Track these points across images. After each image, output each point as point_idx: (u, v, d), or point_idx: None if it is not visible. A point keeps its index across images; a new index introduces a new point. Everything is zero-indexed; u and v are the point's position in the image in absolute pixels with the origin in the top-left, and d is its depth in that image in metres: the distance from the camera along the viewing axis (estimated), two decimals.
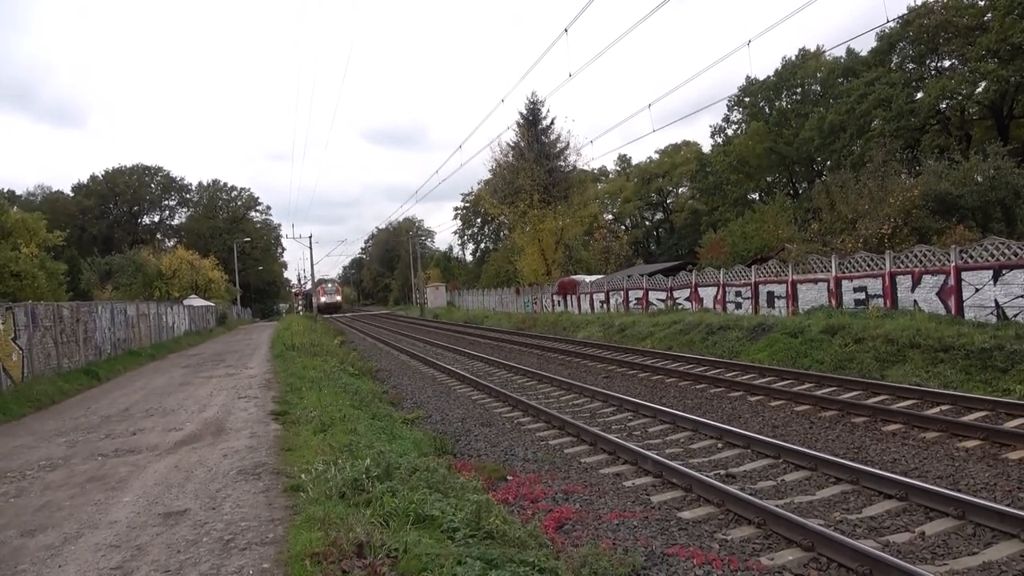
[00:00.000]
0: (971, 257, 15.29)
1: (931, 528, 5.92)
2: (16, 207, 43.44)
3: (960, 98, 37.11)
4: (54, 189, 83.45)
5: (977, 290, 14.94)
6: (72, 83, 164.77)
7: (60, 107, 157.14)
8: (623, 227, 72.18)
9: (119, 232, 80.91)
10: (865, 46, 44.44)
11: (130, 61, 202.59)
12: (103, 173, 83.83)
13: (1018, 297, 14.18)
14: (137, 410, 12.62)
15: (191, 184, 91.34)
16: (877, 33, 40.77)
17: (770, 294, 21.62)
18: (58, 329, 18.03)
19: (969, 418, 9.48)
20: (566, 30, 15.65)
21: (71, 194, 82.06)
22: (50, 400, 14.59)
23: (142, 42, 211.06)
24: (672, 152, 74.49)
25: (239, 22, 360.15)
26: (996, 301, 14.50)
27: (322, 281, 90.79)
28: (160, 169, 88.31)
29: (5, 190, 72.23)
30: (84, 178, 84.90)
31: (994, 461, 7.72)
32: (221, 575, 4.69)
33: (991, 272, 14.63)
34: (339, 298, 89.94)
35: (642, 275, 31.32)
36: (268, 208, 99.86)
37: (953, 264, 15.46)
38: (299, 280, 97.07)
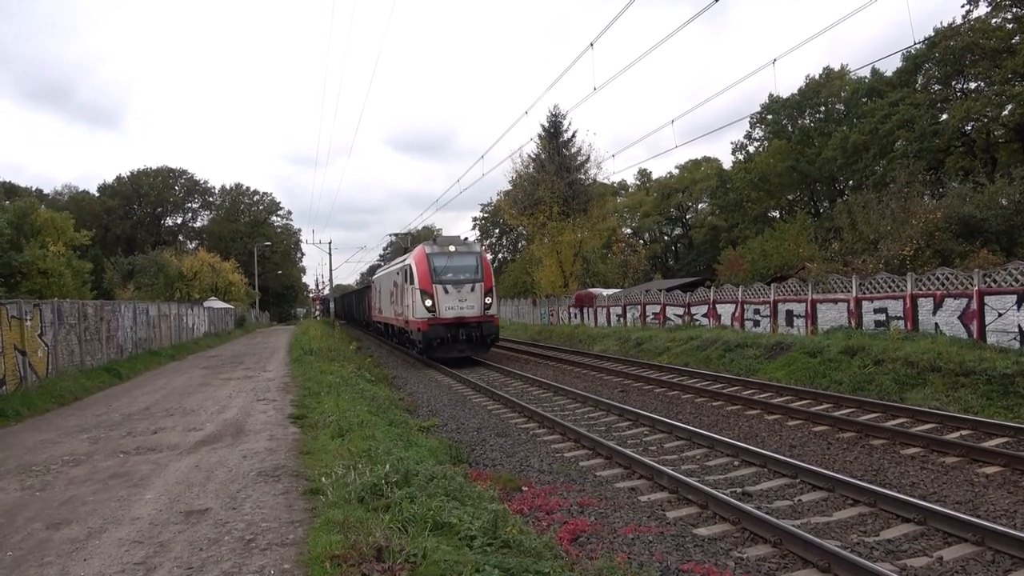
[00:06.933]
0: (994, 281, 15.12)
1: (949, 553, 5.88)
2: (44, 205, 44.24)
3: (986, 120, 36.74)
4: (81, 189, 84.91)
5: (1000, 315, 14.76)
6: (109, 83, 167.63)
7: (96, 107, 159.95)
8: (642, 241, 72.02)
9: (142, 233, 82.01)
10: (891, 67, 44.16)
11: (163, 64, 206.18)
12: (128, 174, 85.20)
13: None
14: (158, 409, 12.80)
15: (214, 187, 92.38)
16: (903, 54, 40.55)
17: (789, 313, 21.48)
18: (82, 327, 18.33)
19: (990, 444, 9.38)
20: (592, 44, 15.76)
21: (96, 194, 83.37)
22: (73, 397, 14.85)
23: (174, 46, 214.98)
24: (692, 168, 74.38)
25: (267, 28, 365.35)
26: (1020, 326, 14.31)
27: (440, 242, 24.59)
28: (184, 172, 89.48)
29: (33, 188, 73.76)
30: (113, 179, 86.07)
31: (1015, 488, 7.63)
32: (243, 574, 4.78)
33: (1015, 297, 14.45)
34: (491, 300, 23.41)
35: (660, 290, 31.24)
36: (289, 213, 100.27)
37: (976, 288, 15.30)
38: (317, 285, 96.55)
